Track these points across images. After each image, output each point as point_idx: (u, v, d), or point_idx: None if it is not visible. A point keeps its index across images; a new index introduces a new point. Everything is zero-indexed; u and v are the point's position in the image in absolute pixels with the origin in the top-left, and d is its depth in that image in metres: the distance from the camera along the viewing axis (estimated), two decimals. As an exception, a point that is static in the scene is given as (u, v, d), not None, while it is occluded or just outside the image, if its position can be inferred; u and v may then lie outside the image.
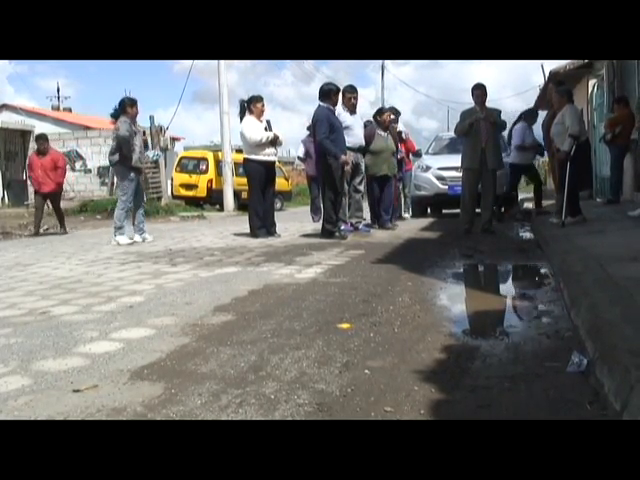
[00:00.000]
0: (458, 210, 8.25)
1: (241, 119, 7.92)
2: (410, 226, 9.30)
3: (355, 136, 8.06)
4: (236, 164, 15.42)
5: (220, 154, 16.38)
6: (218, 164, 16.65)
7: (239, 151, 14.12)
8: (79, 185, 19.37)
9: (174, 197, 17.11)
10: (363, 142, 8.21)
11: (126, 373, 2.31)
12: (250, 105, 7.83)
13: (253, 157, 7.76)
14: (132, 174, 7.59)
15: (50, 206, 10.16)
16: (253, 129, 7.69)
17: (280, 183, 14.68)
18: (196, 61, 17.99)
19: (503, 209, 10.15)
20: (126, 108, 7.58)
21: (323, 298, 3.65)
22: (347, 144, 7.77)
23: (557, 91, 7.43)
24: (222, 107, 15.89)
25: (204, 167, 17.24)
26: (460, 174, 8.35)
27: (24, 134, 21.17)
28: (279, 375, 2.25)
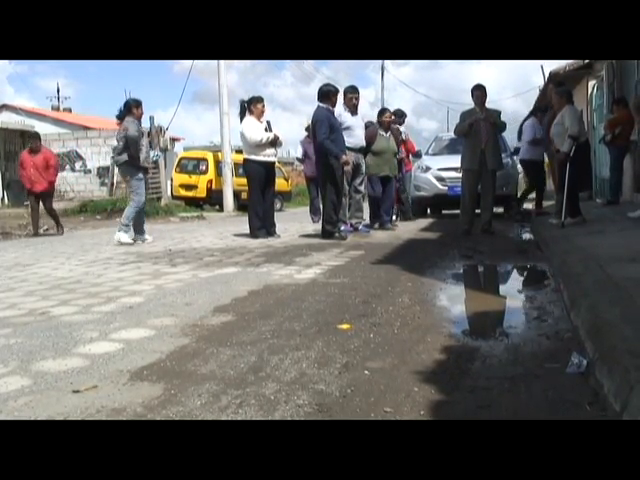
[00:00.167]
0: (458, 211, 8.25)
1: (241, 119, 7.93)
2: (410, 227, 9.30)
3: (356, 137, 8.06)
4: (236, 164, 15.44)
5: (220, 154, 16.39)
6: (218, 164, 16.66)
7: (239, 151, 14.13)
8: (79, 185, 19.40)
9: (174, 197, 17.12)
10: (364, 143, 8.21)
11: (126, 374, 2.31)
12: (250, 106, 7.84)
13: (253, 157, 7.76)
14: (140, 173, 7.68)
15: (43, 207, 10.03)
16: (253, 130, 7.69)
17: (280, 184, 14.69)
18: (196, 61, 18.01)
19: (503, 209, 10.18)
20: (132, 109, 7.64)
21: (323, 299, 3.65)
22: (348, 144, 7.78)
23: (557, 92, 7.44)
24: (222, 107, 15.90)
25: (204, 167, 17.25)
26: (460, 175, 8.36)
27: (24, 134, 21.16)
28: (279, 376, 2.25)
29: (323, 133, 7.23)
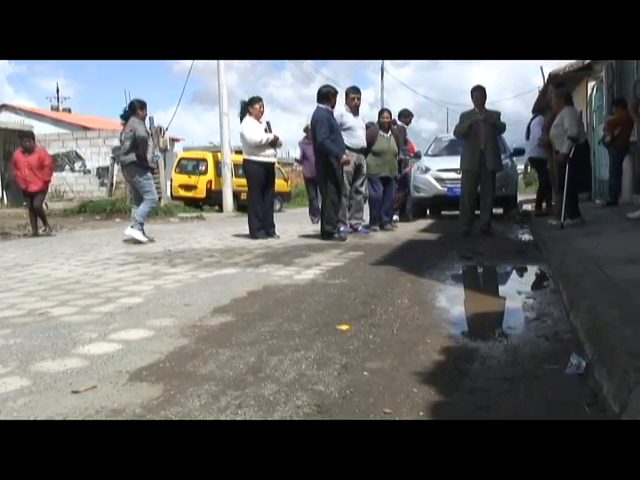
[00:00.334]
0: (457, 212, 8.25)
1: (241, 120, 7.94)
2: (409, 228, 9.30)
3: (357, 137, 8.09)
4: (235, 165, 15.45)
5: (219, 155, 16.39)
6: (217, 165, 16.67)
7: (238, 152, 14.13)
8: (78, 185, 19.39)
9: (173, 198, 17.12)
10: (365, 143, 8.23)
11: (125, 374, 2.31)
12: (249, 106, 7.85)
13: (253, 158, 7.77)
14: (148, 173, 7.77)
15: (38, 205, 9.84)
16: (253, 130, 7.69)
17: (279, 184, 14.69)
18: (196, 61, 18.03)
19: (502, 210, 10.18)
20: (136, 110, 7.69)
21: (322, 299, 3.65)
22: (349, 145, 7.84)
23: (556, 93, 7.44)
24: (222, 108, 15.90)
25: (203, 168, 17.25)
26: (459, 176, 8.37)
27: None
28: (278, 376, 2.24)
29: (323, 133, 7.24)
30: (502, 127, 7.96)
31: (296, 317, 3.20)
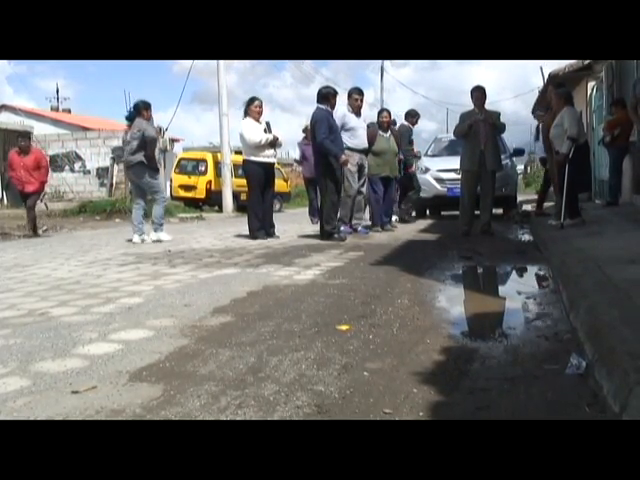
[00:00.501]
0: (457, 212, 8.25)
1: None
2: (409, 228, 9.30)
3: (359, 137, 8.13)
4: (235, 165, 15.45)
5: (219, 155, 16.39)
6: (217, 165, 16.66)
7: (238, 152, 14.13)
8: (78, 186, 19.38)
9: (173, 198, 17.10)
10: (367, 144, 8.25)
11: (125, 374, 2.31)
12: (248, 107, 7.86)
13: (252, 158, 7.77)
14: (156, 173, 7.91)
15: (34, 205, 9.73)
16: (252, 131, 7.70)
17: (279, 184, 14.69)
18: (196, 62, 18.03)
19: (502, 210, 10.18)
20: (141, 111, 7.77)
21: (322, 300, 3.65)
22: (352, 146, 7.88)
23: (556, 93, 7.44)
24: (221, 108, 15.90)
25: (203, 168, 17.24)
26: (459, 176, 8.37)
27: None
28: (278, 377, 2.24)
29: (322, 133, 7.25)
30: (502, 127, 7.96)
31: (296, 317, 3.20)
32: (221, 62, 15.65)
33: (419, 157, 11.48)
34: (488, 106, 7.90)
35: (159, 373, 2.32)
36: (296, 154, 11.72)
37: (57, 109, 37.14)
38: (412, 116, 10.70)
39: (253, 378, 2.23)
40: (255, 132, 7.68)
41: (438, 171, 11.06)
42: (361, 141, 8.16)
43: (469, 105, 7.92)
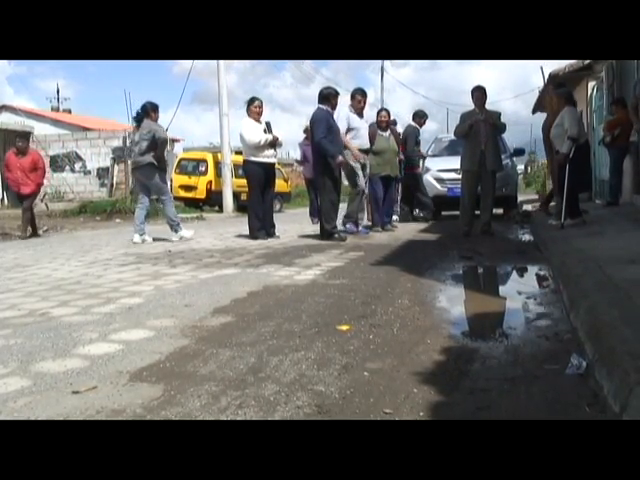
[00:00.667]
0: (457, 212, 8.25)
1: None
2: (409, 228, 9.30)
3: (362, 138, 8.18)
4: (235, 165, 15.44)
5: (219, 155, 16.38)
6: (217, 165, 16.65)
7: (238, 152, 14.12)
8: (78, 186, 19.38)
9: (173, 198, 17.07)
10: (369, 144, 8.26)
11: (125, 375, 2.31)
12: (247, 108, 7.88)
13: (252, 159, 7.77)
14: (164, 174, 8.03)
15: (35, 205, 9.78)
16: (251, 131, 7.70)
17: (279, 184, 14.69)
18: (196, 62, 18.02)
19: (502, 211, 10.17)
20: (149, 112, 7.82)
21: (322, 300, 3.65)
22: (355, 146, 7.85)
23: (556, 93, 7.44)
24: (221, 108, 15.89)
25: (203, 168, 17.24)
26: (459, 176, 8.37)
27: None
28: (278, 377, 2.24)
29: (321, 132, 7.27)
30: (502, 127, 7.96)
31: (296, 317, 3.20)
32: (221, 62, 15.64)
33: (425, 157, 11.44)
34: (488, 106, 7.89)
35: (159, 373, 2.32)
36: (297, 154, 11.71)
37: (57, 109, 37.15)
38: (420, 117, 10.68)
39: (253, 378, 2.23)
40: (254, 132, 7.68)
41: (438, 171, 11.05)
42: (364, 141, 8.20)
43: (469, 105, 7.92)
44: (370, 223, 8.95)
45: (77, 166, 19.67)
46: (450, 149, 11.73)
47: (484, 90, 7.75)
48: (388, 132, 9.09)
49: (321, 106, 7.51)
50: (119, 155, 18.43)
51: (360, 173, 8.09)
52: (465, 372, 2.26)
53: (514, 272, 5.02)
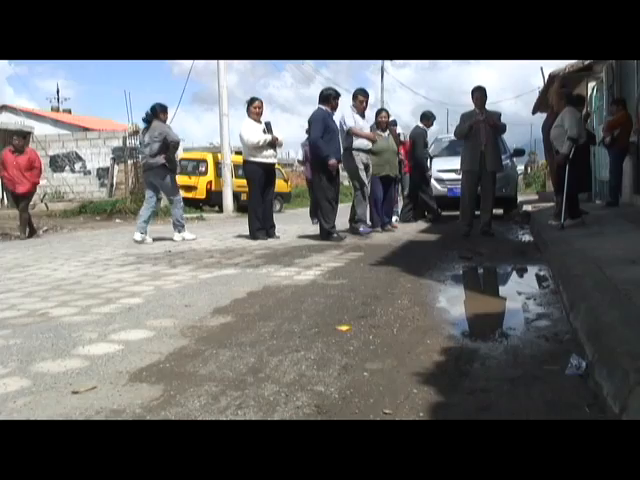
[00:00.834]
0: (457, 212, 8.25)
1: None
2: (409, 228, 9.30)
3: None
4: (235, 166, 15.44)
5: (219, 156, 16.38)
6: (217, 165, 16.64)
7: (238, 153, 14.12)
8: (78, 186, 19.36)
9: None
10: (370, 144, 8.27)
11: (125, 375, 2.31)
12: (247, 108, 7.89)
13: (252, 159, 7.77)
14: (174, 175, 8.16)
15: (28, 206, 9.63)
16: (251, 131, 7.70)
17: (279, 185, 14.67)
18: (196, 63, 18.06)
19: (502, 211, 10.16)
20: (158, 114, 7.90)
21: (322, 300, 3.65)
22: (357, 146, 7.98)
23: (557, 93, 7.44)
24: (221, 109, 15.89)
25: (203, 169, 17.22)
26: (459, 176, 8.37)
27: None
28: (278, 377, 2.24)
29: (317, 132, 7.30)
30: (503, 128, 7.96)
31: (296, 318, 3.20)
32: (221, 62, 15.63)
33: (432, 158, 11.42)
34: (488, 106, 7.89)
35: (159, 373, 2.32)
36: (299, 155, 11.69)
37: (57, 109, 37.17)
38: (427, 118, 10.65)
39: (253, 378, 2.23)
40: (253, 133, 7.68)
41: (438, 171, 11.05)
42: (366, 141, 8.20)
43: (469, 105, 7.92)
44: (370, 223, 8.95)
45: (77, 166, 19.64)
46: (450, 149, 11.74)
47: (484, 91, 7.75)
48: (387, 132, 9.09)
49: (321, 106, 7.53)
50: (119, 155, 18.40)
51: (363, 175, 8.10)
52: (465, 373, 2.26)
53: (514, 272, 5.01)
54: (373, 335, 2.81)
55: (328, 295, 3.80)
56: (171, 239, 7.96)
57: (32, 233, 9.59)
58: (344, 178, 13.54)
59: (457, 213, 8.31)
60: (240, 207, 15.24)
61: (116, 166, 18.61)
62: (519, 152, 12.20)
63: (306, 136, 10.89)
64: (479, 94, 7.70)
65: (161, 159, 7.77)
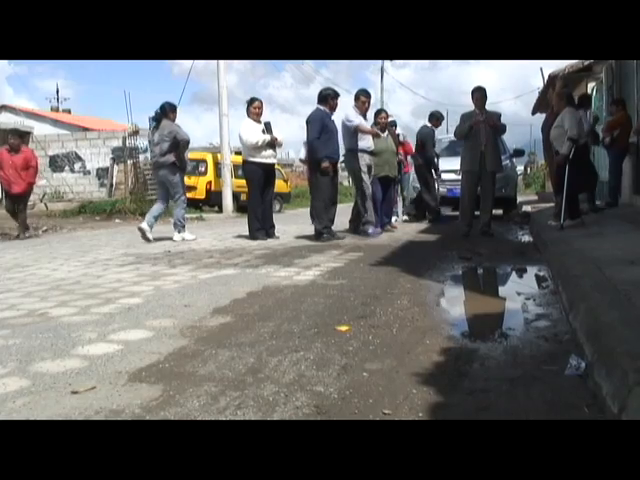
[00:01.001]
0: (457, 213, 8.25)
1: None
2: (409, 228, 9.30)
3: (367, 139, 8.19)
4: (235, 166, 15.44)
5: (219, 156, 16.37)
6: (217, 166, 16.64)
7: (238, 153, 14.11)
8: (78, 186, 19.37)
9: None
10: (373, 145, 8.27)
11: (124, 375, 2.31)
12: (247, 108, 7.90)
13: (252, 159, 7.77)
14: (183, 174, 8.27)
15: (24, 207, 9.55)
16: (250, 132, 7.70)
17: (279, 185, 14.67)
18: (195, 63, 18.04)
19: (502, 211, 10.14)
20: (168, 113, 7.97)
21: (322, 300, 3.65)
22: (361, 147, 7.99)
23: (557, 93, 7.44)
24: (221, 109, 15.89)
25: (203, 169, 17.22)
26: (459, 177, 8.37)
27: (23, 135, 21.13)
28: (277, 377, 2.24)
29: (314, 133, 7.30)
30: (503, 128, 7.96)
31: (295, 318, 3.20)
32: (221, 62, 15.63)
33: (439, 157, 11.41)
34: (488, 107, 7.89)
35: (158, 374, 2.32)
36: (301, 153, 11.70)
37: (57, 109, 37.17)
38: (437, 118, 10.63)
39: (252, 379, 2.23)
40: (252, 133, 7.68)
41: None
42: (368, 142, 8.21)
43: (469, 106, 7.92)
44: (379, 227, 8.94)
45: (77, 166, 19.64)
46: (450, 150, 11.73)
47: (484, 91, 7.75)
48: (386, 133, 9.09)
49: (319, 107, 7.55)
50: (119, 155, 18.40)
51: (366, 177, 8.09)
52: (464, 373, 2.26)
53: (513, 273, 5.01)
54: (372, 335, 2.81)
55: (328, 295, 3.80)
56: (171, 239, 7.97)
57: (25, 230, 9.47)
58: (343, 178, 13.53)
59: (457, 213, 8.30)
60: (240, 207, 15.24)
61: (116, 166, 18.61)
62: (519, 152, 12.20)
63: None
64: (479, 94, 7.70)
65: (171, 157, 7.85)
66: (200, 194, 16.95)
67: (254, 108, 7.82)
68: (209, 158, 17.32)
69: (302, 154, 11.53)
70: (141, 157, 17.46)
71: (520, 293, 3.87)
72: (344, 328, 2.95)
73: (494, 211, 8.59)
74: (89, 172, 19.62)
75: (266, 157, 7.81)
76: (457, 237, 7.53)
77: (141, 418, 1.88)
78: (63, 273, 5.06)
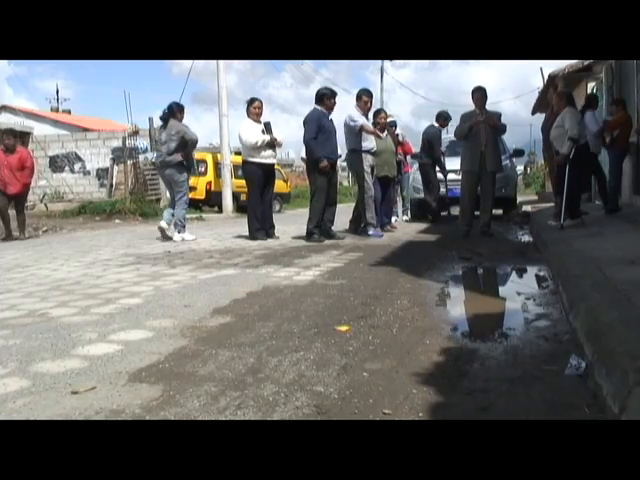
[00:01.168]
0: (457, 213, 8.25)
1: None
2: (409, 229, 9.30)
3: (370, 139, 8.20)
4: (235, 166, 15.44)
5: (219, 156, 16.37)
6: (217, 166, 16.64)
7: (238, 153, 14.10)
8: (78, 187, 19.36)
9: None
10: (375, 146, 8.27)
11: (124, 375, 2.31)
12: (247, 108, 7.90)
13: (252, 159, 7.77)
14: (189, 173, 8.32)
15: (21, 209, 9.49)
16: (249, 132, 7.70)
17: (279, 185, 14.66)
18: (195, 63, 18.04)
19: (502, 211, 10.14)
20: (175, 113, 8.03)
21: (322, 300, 3.65)
22: (363, 148, 8.03)
23: (557, 93, 7.44)
24: (221, 109, 15.89)
25: (203, 169, 17.20)
26: (459, 177, 8.37)
27: (22, 136, 21.13)
28: (277, 377, 2.24)
29: (311, 133, 7.32)
30: (503, 128, 7.96)
31: (295, 318, 3.20)
32: (221, 62, 15.63)
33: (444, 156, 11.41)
34: (488, 107, 7.89)
35: (158, 374, 2.32)
36: (302, 152, 11.71)
37: (57, 110, 37.17)
38: (444, 118, 10.61)
39: (252, 379, 2.23)
40: (252, 133, 7.68)
41: (438, 171, 11.04)
42: (371, 143, 8.23)
43: (469, 106, 7.92)
44: (381, 232, 8.94)
45: (76, 166, 19.63)
46: (450, 150, 11.72)
47: (484, 91, 7.75)
48: (386, 133, 9.10)
49: (316, 107, 7.55)
50: (118, 155, 18.38)
51: (369, 178, 8.10)
52: (464, 373, 2.26)
53: (513, 273, 5.02)
54: (372, 335, 2.81)
55: (327, 295, 3.80)
56: (171, 239, 7.97)
57: (9, 235, 9.27)
58: (343, 178, 13.53)
59: (457, 213, 8.30)
60: (239, 207, 15.24)
61: (115, 166, 18.60)
62: (519, 152, 12.19)
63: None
64: (479, 94, 7.70)
65: (178, 157, 7.91)
66: (200, 194, 16.94)
67: (254, 108, 7.82)
68: (209, 158, 17.32)
69: (304, 153, 11.55)
70: (141, 157, 17.46)
71: (520, 293, 3.87)
72: (344, 328, 2.95)
73: (494, 211, 8.60)
74: (89, 172, 19.61)
75: (266, 157, 7.82)
76: (457, 237, 7.54)
77: (141, 418, 1.88)
78: (63, 273, 5.06)
